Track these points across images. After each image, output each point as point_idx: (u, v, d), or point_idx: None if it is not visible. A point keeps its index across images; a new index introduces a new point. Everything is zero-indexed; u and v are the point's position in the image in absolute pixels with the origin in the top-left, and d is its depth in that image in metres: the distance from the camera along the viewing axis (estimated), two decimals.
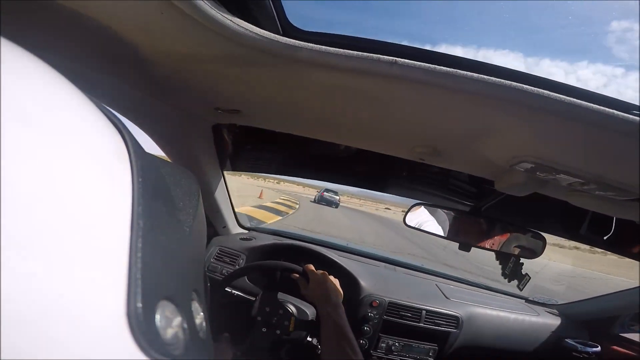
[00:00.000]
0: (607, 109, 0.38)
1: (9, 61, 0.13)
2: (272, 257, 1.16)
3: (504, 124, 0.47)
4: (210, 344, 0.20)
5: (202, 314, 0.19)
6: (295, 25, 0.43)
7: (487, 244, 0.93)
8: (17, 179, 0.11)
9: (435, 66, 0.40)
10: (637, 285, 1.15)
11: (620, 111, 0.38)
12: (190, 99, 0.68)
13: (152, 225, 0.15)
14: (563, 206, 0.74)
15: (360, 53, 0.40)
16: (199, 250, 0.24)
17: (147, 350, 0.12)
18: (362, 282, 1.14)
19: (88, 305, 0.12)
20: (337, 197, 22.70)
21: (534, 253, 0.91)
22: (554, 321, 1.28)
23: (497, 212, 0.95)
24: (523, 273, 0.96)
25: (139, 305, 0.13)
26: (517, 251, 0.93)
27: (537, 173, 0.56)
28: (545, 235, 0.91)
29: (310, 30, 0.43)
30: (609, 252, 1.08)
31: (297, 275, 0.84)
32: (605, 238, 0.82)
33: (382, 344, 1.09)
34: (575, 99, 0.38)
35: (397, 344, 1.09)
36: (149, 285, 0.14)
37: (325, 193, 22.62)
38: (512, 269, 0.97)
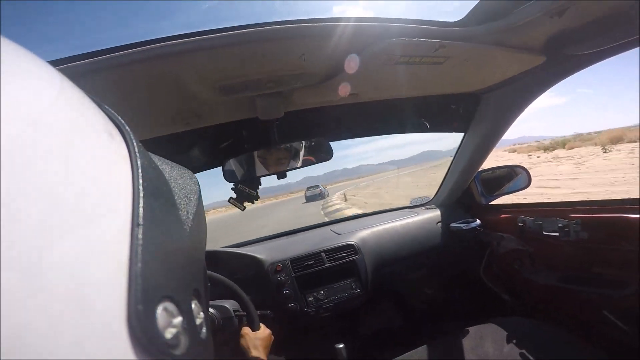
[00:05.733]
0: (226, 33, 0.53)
1: (9, 61, 0.13)
2: None
3: (190, 69, 0.60)
4: (210, 344, 0.20)
5: (202, 314, 0.18)
6: None
7: (293, 164, 1.03)
8: (16, 178, 0.11)
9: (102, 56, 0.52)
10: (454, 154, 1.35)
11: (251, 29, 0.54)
12: None
13: (152, 225, 0.15)
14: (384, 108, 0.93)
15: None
16: (199, 250, 0.23)
17: (147, 350, 0.12)
18: (260, 257, 1.20)
19: (88, 304, 0.11)
20: (318, 190, 22.31)
21: (327, 154, 1.04)
22: (434, 213, 1.41)
23: (292, 136, 1.03)
24: (243, 205, 1.01)
25: (139, 305, 0.13)
26: (313, 158, 1.04)
27: (249, 92, 0.68)
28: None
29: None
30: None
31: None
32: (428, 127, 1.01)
33: (310, 299, 1.13)
34: (222, 33, 0.53)
35: (321, 292, 1.14)
36: (149, 285, 0.13)
37: (307, 192, 23.06)
38: (242, 193, 1.01)
